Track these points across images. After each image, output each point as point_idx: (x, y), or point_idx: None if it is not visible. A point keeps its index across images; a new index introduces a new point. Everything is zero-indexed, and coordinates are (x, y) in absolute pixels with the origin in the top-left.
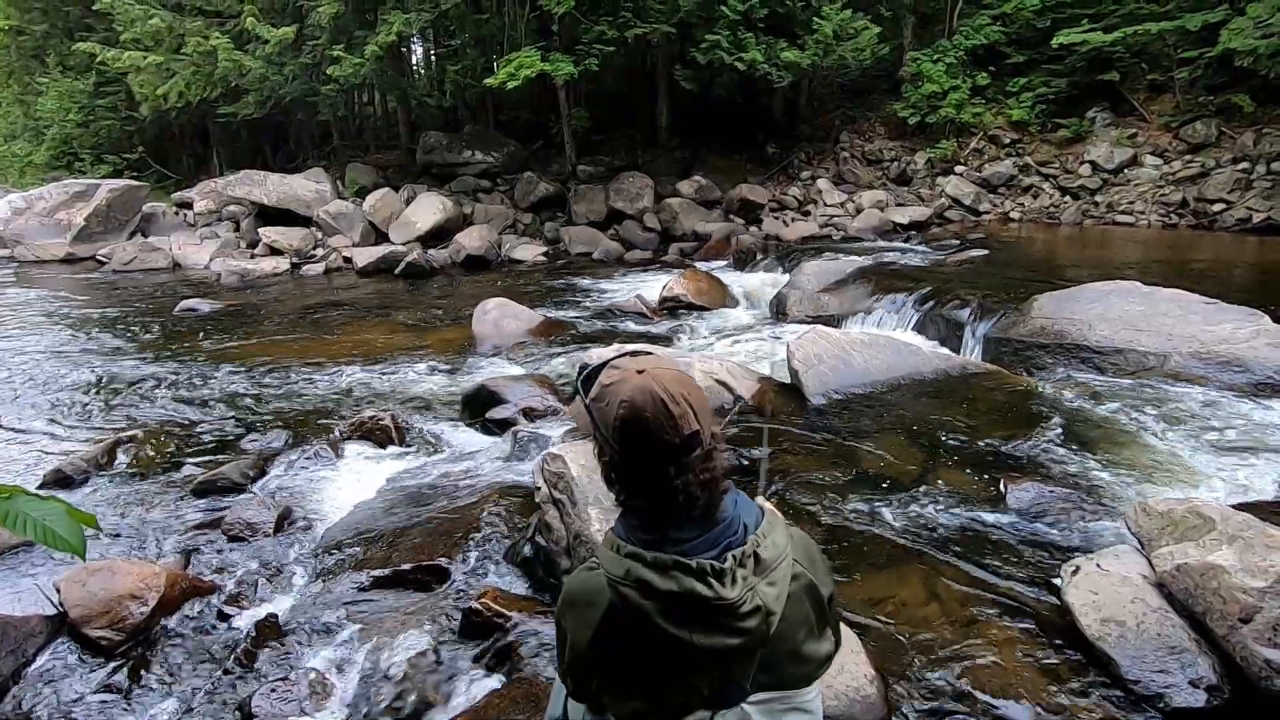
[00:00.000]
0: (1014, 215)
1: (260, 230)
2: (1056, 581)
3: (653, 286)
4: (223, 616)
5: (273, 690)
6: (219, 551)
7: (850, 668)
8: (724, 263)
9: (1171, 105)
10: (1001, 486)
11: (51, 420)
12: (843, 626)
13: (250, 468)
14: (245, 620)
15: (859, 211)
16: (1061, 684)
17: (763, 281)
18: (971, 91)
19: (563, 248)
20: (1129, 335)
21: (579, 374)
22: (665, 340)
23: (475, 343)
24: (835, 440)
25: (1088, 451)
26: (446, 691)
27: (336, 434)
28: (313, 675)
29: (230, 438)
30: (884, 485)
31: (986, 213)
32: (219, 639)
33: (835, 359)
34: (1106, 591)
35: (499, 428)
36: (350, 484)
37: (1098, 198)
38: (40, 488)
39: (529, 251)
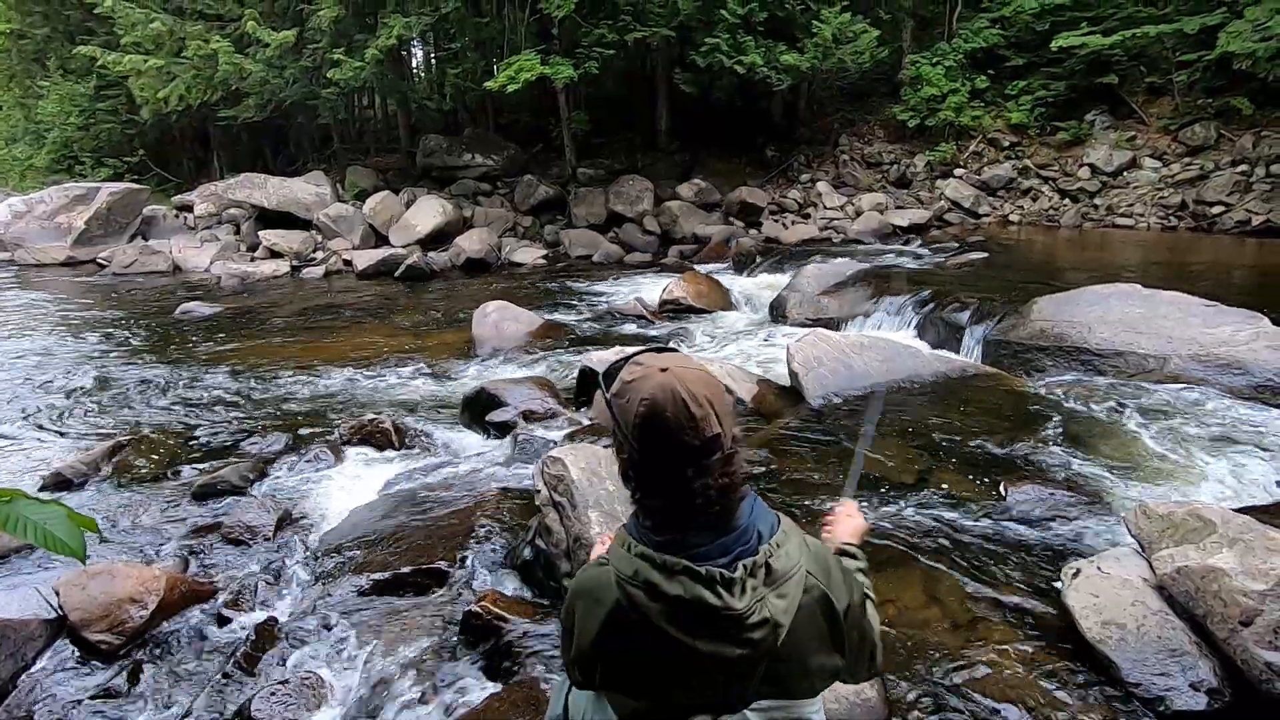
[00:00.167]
0: (1013, 218)
1: (260, 233)
2: (1057, 584)
3: (652, 289)
4: (222, 620)
5: (272, 693)
6: (218, 555)
7: None
8: (724, 265)
9: (1170, 108)
10: (1001, 489)
11: (51, 423)
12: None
13: (250, 471)
14: (245, 623)
15: (858, 214)
16: (1062, 686)
17: (762, 284)
18: (971, 94)
19: (562, 251)
20: (1129, 338)
21: (601, 370)
22: (665, 343)
23: (475, 345)
24: (835, 442)
25: (1088, 454)
26: (446, 695)
27: (336, 437)
28: (312, 678)
29: (230, 441)
30: (884, 488)
31: (986, 215)
32: (218, 642)
33: (835, 362)
34: (1107, 594)
35: (499, 430)
36: (350, 487)
37: (1097, 200)
38: (40, 491)
39: (529, 254)
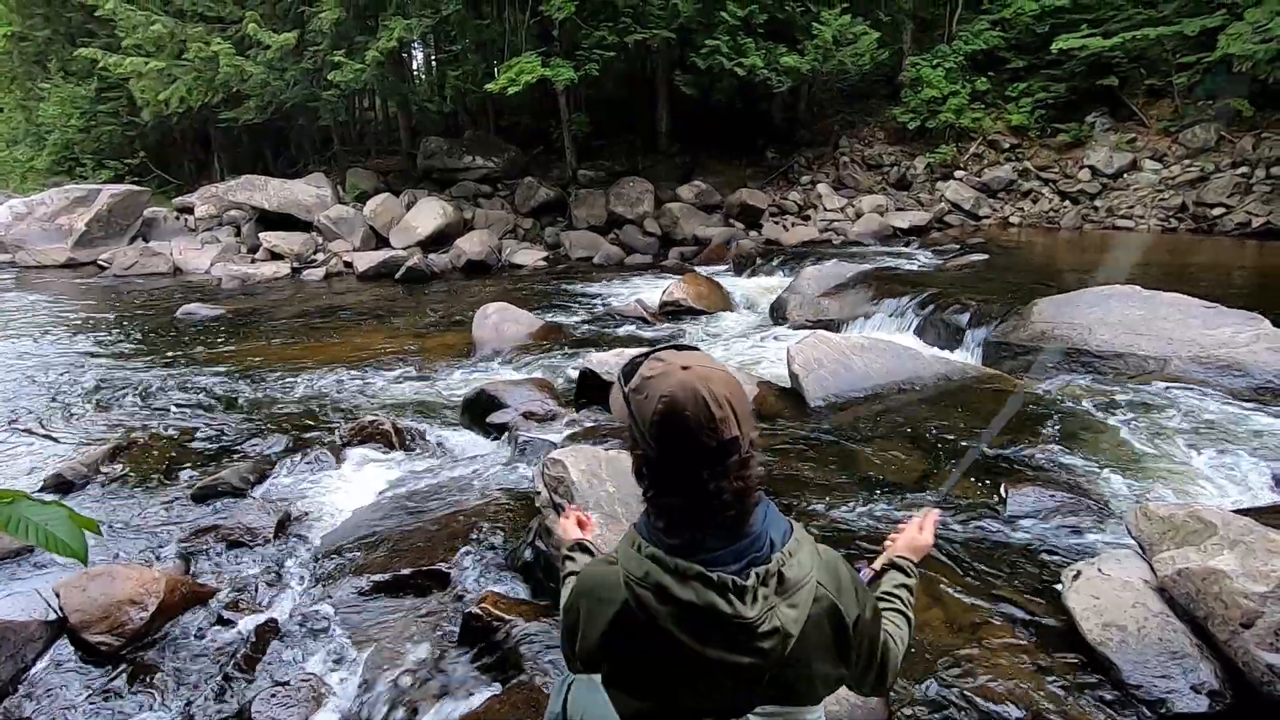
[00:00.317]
0: (1013, 220)
1: (261, 235)
2: (1057, 586)
3: (653, 291)
4: (222, 621)
5: (272, 695)
6: (219, 556)
7: None
8: (724, 267)
9: (1170, 110)
10: (1002, 491)
11: (52, 425)
12: None
13: (250, 472)
14: (245, 625)
15: (859, 216)
16: (1062, 689)
17: (763, 286)
18: (971, 97)
19: (563, 252)
20: (1129, 339)
21: (621, 365)
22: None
23: (475, 347)
24: (835, 444)
25: (1088, 456)
26: (446, 696)
27: (336, 439)
28: (312, 680)
29: (230, 442)
30: (884, 489)
31: (986, 217)
32: (219, 644)
33: (835, 363)
34: (1108, 596)
35: (499, 432)
36: (350, 489)
37: (1097, 202)
38: (40, 492)
39: (529, 256)
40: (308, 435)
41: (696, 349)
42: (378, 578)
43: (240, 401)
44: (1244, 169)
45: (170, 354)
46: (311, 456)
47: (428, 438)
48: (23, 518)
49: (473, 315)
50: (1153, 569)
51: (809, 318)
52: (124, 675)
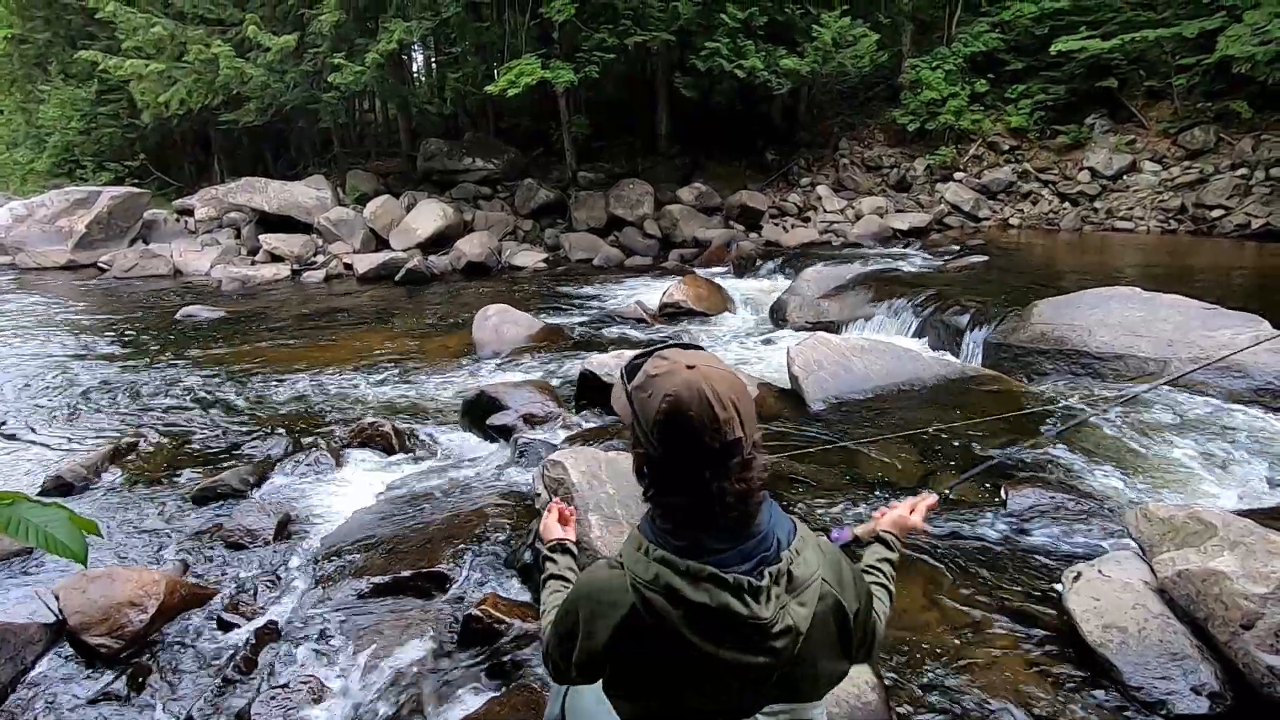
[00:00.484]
0: (1013, 221)
1: (261, 237)
2: (1057, 587)
3: (653, 292)
4: (222, 624)
5: (272, 698)
6: (219, 558)
7: (852, 674)
8: (724, 269)
9: (1170, 112)
10: (1002, 493)
11: (52, 426)
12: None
13: (250, 474)
14: (245, 628)
15: (859, 218)
16: (1062, 690)
17: (763, 288)
18: (970, 98)
19: (563, 254)
20: (1128, 341)
21: (625, 362)
22: None
23: (475, 349)
24: (835, 445)
25: (1088, 457)
26: (446, 699)
27: (337, 440)
28: (312, 682)
29: (230, 444)
30: (884, 490)
31: (986, 219)
32: (218, 646)
33: (835, 365)
34: (1108, 597)
35: (499, 434)
36: (350, 490)
37: (1097, 204)
38: (40, 494)
39: (529, 258)
40: (308, 437)
41: (701, 348)
42: (377, 580)
43: (240, 403)
44: (1243, 170)
45: (170, 356)
46: (311, 458)
47: (428, 440)
48: (22, 519)
49: (473, 317)
50: (1153, 570)
51: (809, 319)
52: (123, 677)
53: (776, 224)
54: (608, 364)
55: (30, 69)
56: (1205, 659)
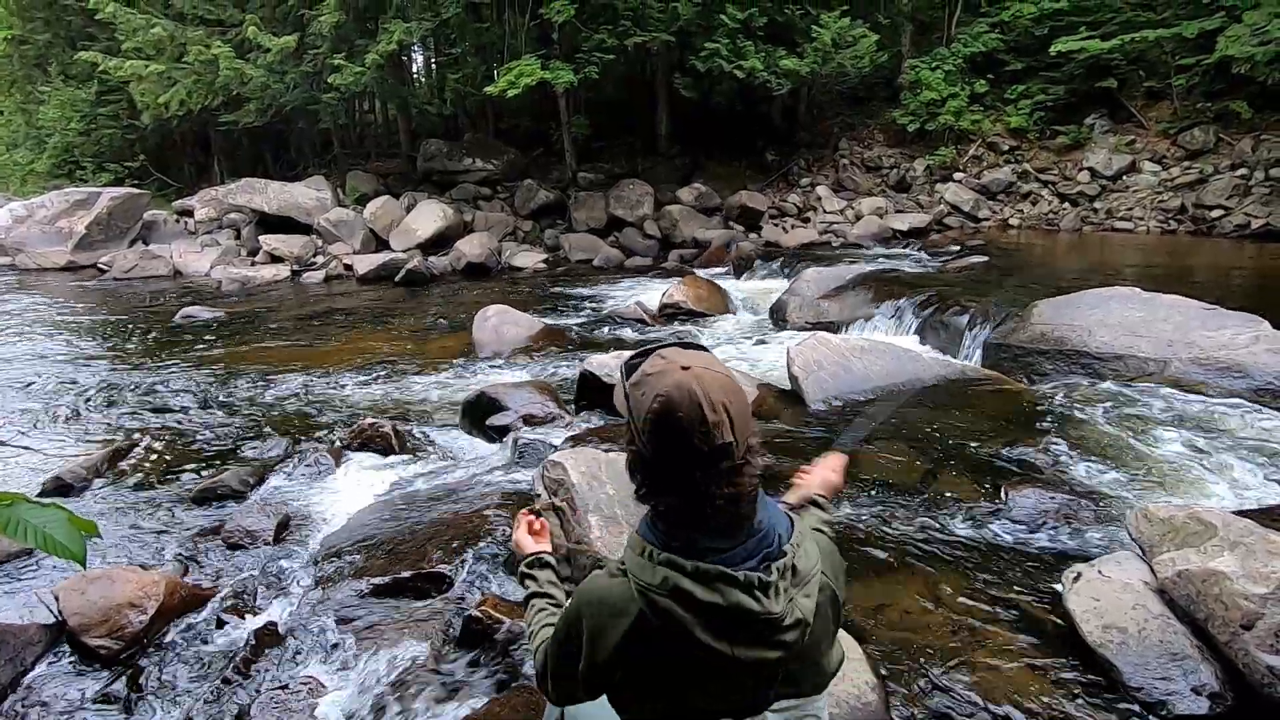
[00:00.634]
0: (1013, 222)
1: (261, 238)
2: (1057, 588)
3: (653, 293)
4: (222, 625)
5: (271, 699)
6: (218, 559)
7: (852, 674)
8: (724, 269)
9: (1169, 112)
10: (1002, 493)
11: (52, 427)
12: (844, 633)
13: (250, 475)
14: (244, 629)
15: (858, 218)
16: (1062, 691)
17: (762, 288)
18: (970, 99)
19: (563, 255)
20: (1128, 341)
21: (625, 359)
22: None
23: (475, 350)
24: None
25: (1088, 457)
26: (446, 699)
27: (336, 441)
28: (311, 683)
29: (230, 445)
30: (884, 491)
31: (986, 219)
32: (218, 647)
33: (835, 365)
34: (1108, 598)
35: (499, 434)
36: (350, 491)
37: (1096, 204)
38: (40, 495)
39: (529, 259)
40: (307, 438)
41: (703, 349)
42: (377, 580)
43: (240, 404)
44: (1243, 171)
45: (170, 357)
46: (311, 459)
47: (427, 440)
48: (22, 520)
49: (472, 318)
50: (1153, 571)
51: (809, 320)
52: (123, 679)
53: (776, 224)
54: (608, 365)
55: (30, 70)
56: (1205, 659)
